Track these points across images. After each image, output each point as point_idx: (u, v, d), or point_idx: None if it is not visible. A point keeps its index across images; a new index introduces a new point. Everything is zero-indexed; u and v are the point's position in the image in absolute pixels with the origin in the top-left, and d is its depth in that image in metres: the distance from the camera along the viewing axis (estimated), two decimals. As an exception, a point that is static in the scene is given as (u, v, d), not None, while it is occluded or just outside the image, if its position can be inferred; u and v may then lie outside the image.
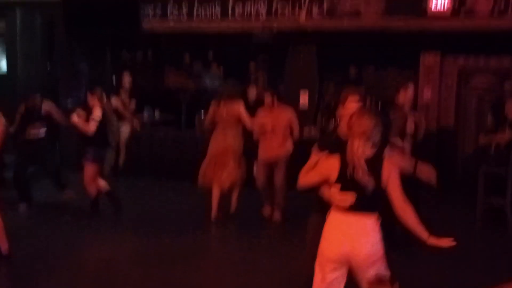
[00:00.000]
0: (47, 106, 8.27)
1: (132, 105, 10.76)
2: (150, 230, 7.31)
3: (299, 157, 9.50)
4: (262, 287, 5.51)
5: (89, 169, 7.67)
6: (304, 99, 10.83)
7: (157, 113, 11.97)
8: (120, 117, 10.43)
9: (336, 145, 3.89)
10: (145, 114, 11.63)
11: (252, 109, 8.21)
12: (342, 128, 4.04)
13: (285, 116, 7.83)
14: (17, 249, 6.32)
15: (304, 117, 10.69)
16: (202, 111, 10.15)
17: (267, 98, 7.87)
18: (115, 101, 10.36)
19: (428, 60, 11.57)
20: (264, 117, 7.75)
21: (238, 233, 7.41)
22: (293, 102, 10.91)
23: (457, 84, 11.69)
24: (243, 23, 10.79)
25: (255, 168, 8.02)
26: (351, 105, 4.11)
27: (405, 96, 6.72)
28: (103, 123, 7.69)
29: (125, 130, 10.55)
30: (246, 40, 10.91)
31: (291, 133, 7.83)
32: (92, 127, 7.55)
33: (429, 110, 10.84)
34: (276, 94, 8.00)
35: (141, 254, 6.38)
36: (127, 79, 10.69)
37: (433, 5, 9.54)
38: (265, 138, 7.74)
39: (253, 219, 7.81)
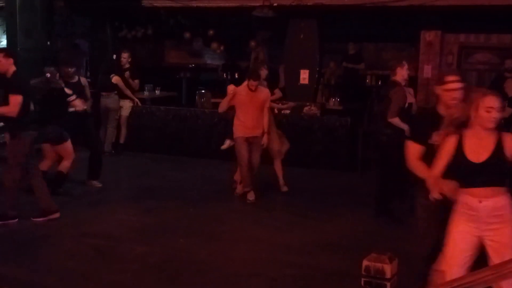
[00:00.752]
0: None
1: (136, 84, 10.77)
2: (152, 205, 7.38)
3: (301, 132, 9.63)
4: (263, 260, 5.59)
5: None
6: (304, 75, 10.83)
7: (157, 90, 11.99)
8: (121, 94, 10.47)
9: (435, 123, 4.03)
10: (146, 91, 11.66)
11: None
12: (444, 108, 4.13)
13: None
14: (17, 225, 6.42)
15: (304, 93, 10.72)
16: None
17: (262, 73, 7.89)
18: (115, 79, 10.38)
19: (429, 37, 11.55)
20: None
21: (239, 207, 7.48)
22: (294, 79, 10.94)
23: (457, 61, 11.70)
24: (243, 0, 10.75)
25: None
26: (453, 85, 4.16)
27: (402, 73, 6.74)
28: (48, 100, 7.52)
29: (125, 107, 10.58)
30: (246, 16, 10.87)
31: None
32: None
33: (429, 86, 10.84)
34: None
35: (143, 229, 6.45)
36: (126, 58, 10.68)
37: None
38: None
39: (260, 194, 7.86)
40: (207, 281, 5.10)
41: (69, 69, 8.08)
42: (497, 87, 9.40)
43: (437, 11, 10.40)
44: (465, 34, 11.60)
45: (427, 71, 11.43)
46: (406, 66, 6.82)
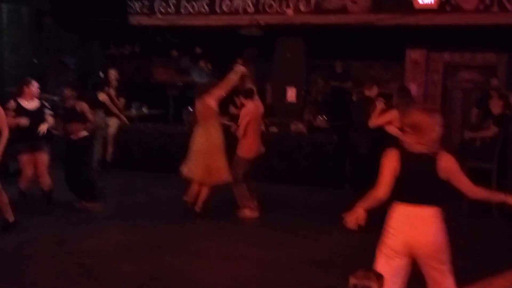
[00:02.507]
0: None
1: (121, 103, 10.74)
2: (139, 222, 7.34)
3: (289, 149, 9.66)
4: (251, 278, 5.56)
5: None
6: (291, 93, 10.88)
7: (145, 108, 11.98)
8: (108, 111, 10.44)
9: None
10: (133, 109, 11.64)
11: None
12: None
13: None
14: (2, 242, 6.34)
15: (291, 111, 10.76)
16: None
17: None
18: (102, 96, 10.36)
19: (415, 55, 11.68)
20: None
21: (226, 225, 7.45)
22: (281, 96, 10.99)
23: (443, 79, 11.82)
24: (231, 18, 10.82)
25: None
26: None
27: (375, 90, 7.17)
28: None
29: (112, 124, 10.55)
30: (234, 35, 10.94)
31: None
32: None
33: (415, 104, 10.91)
34: (243, 94, 7.89)
35: (130, 247, 6.40)
36: (113, 76, 10.67)
37: (420, 1, 9.61)
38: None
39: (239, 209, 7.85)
40: (194, 299, 5.07)
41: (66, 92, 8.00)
42: (482, 105, 9.52)
43: (422, 30, 10.53)
44: (450, 52, 11.75)
45: (412, 89, 11.53)
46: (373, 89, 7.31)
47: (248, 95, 7.77)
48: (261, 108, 7.86)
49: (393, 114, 6.83)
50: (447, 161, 3.80)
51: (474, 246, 6.60)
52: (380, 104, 7.12)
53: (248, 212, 7.77)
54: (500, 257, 5.39)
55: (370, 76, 12.73)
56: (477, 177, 7.85)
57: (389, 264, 3.90)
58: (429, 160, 3.76)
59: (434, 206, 3.83)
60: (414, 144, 3.79)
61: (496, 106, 8.55)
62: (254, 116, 7.69)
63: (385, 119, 6.90)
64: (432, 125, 3.76)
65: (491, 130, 8.29)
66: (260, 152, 7.85)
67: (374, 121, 7.03)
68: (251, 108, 7.69)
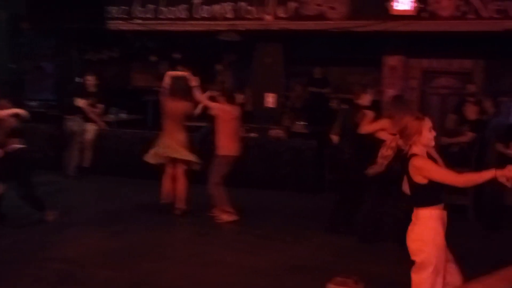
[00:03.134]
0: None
1: (99, 110, 10.66)
2: (118, 229, 7.28)
3: (268, 155, 9.67)
4: (230, 284, 5.56)
5: None
6: (270, 99, 10.91)
7: (123, 113, 11.92)
8: (85, 117, 10.37)
9: None
10: (111, 115, 11.57)
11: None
12: None
13: None
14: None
15: (270, 116, 10.79)
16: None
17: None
18: (80, 102, 10.28)
19: (392, 61, 11.79)
20: None
21: (205, 230, 7.43)
22: (260, 102, 11.01)
23: (420, 85, 11.94)
24: (209, 23, 10.82)
25: None
26: None
27: (366, 98, 7.09)
28: None
29: (90, 130, 10.47)
30: (213, 40, 10.94)
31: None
32: None
33: (393, 111, 11.00)
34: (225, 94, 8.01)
35: (109, 253, 6.35)
36: (91, 81, 10.59)
37: (397, 8, 9.70)
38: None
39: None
40: (174, 305, 5.05)
41: None
42: (459, 111, 9.64)
43: (400, 37, 10.64)
44: (427, 59, 11.89)
45: (389, 94, 11.64)
46: (369, 93, 7.28)
47: (228, 96, 7.86)
48: (237, 112, 7.91)
49: (385, 122, 6.84)
50: (413, 162, 3.96)
51: (451, 251, 6.65)
52: (370, 112, 7.12)
53: (226, 216, 7.78)
54: (477, 263, 5.44)
55: (360, 84, 12.83)
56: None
57: None
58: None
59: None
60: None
61: (471, 112, 8.66)
62: (229, 118, 7.74)
63: (377, 126, 6.92)
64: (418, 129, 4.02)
65: (467, 136, 8.40)
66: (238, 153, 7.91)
67: (366, 128, 7.00)
68: (228, 109, 7.75)
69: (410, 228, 4.09)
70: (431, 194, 4.01)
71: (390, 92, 11.52)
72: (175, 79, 8.25)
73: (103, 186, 9.84)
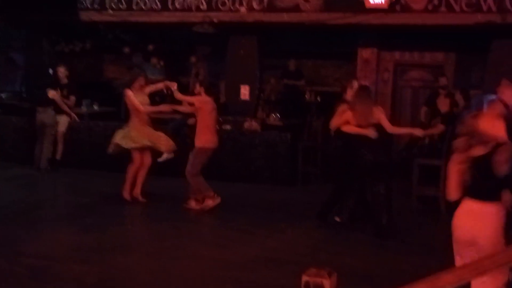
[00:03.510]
0: None
1: (71, 101, 10.52)
2: (90, 223, 7.20)
3: (242, 148, 9.66)
4: (204, 277, 5.55)
5: None
6: (244, 91, 10.89)
7: (96, 105, 11.78)
8: (58, 109, 10.22)
9: None
10: (84, 107, 11.44)
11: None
12: None
13: None
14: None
15: (244, 109, 10.77)
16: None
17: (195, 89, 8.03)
18: (52, 94, 10.13)
19: (366, 54, 11.85)
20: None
21: (179, 224, 7.40)
22: (234, 94, 10.99)
23: (393, 77, 12.04)
24: (183, 15, 10.75)
25: None
26: None
27: (351, 92, 7.07)
28: None
29: (62, 122, 10.33)
30: (187, 32, 10.87)
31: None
32: None
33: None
34: (205, 85, 8.06)
35: (81, 248, 6.28)
36: (62, 73, 10.44)
37: (371, 1, 9.75)
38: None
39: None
40: (147, 299, 5.02)
41: None
42: (431, 103, 9.75)
43: (373, 30, 10.70)
44: (400, 52, 11.98)
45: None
46: (354, 85, 7.25)
47: (208, 89, 7.92)
48: (215, 103, 7.98)
49: (348, 114, 6.88)
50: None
51: (423, 242, 6.75)
52: (342, 106, 7.13)
53: (211, 202, 7.82)
54: (449, 253, 5.50)
55: (322, 76, 12.89)
56: (426, 173, 8.10)
57: None
58: None
59: None
60: None
61: (443, 104, 8.76)
62: (209, 109, 7.76)
63: (341, 119, 6.94)
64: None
65: (438, 128, 8.49)
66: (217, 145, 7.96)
67: (334, 123, 7.04)
68: (208, 100, 7.79)
69: (483, 223, 3.93)
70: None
71: (356, 84, 11.60)
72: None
73: (75, 179, 9.72)
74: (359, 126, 6.81)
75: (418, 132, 7.19)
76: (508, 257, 2.80)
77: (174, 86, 8.26)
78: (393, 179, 7.20)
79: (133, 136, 8.04)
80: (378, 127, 6.82)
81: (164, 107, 8.93)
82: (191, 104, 7.93)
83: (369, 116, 6.80)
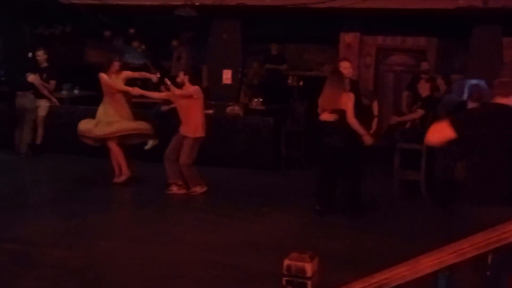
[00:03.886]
0: None
1: (51, 85, 10.40)
2: (72, 208, 7.16)
3: (224, 132, 9.65)
4: (188, 262, 5.56)
5: None
6: (227, 75, 10.84)
7: (76, 90, 11.67)
8: (38, 94, 10.11)
9: None
10: (64, 91, 11.32)
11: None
12: None
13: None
14: None
15: (227, 93, 10.73)
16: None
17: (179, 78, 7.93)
18: (31, 77, 10.01)
19: (348, 38, 11.85)
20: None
21: (162, 209, 7.39)
22: (216, 79, 10.93)
23: (375, 62, 12.06)
24: (165, -2, 10.62)
25: None
26: None
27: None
28: None
29: (42, 106, 10.22)
30: (169, 15, 10.75)
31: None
32: None
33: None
34: (189, 73, 7.99)
35: (63, 234, 6.25)
36: (42, 56, 10.30)
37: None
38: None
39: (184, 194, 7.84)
40: (130, 284, 5.02)
41: None
42: (412, 88, 9.80)
43: (356, 14, 10.68)
44: (382, 36, 12.00)
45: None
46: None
47: (192, 77, 7.91)
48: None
49: (321, 101, 6.90)
50: None
51: (404, 226, 6.81)
52: None
53: (199, 189, 7.87)
54: (429, 237, 5.58)
55: (305, 60, 12.86)
56: (407, 157, 8.15)
57: None
58: None
59: None
60: None
61: (424, 89, 8.80)
62: (199, 96, 7.79)
63: (319, 107, 6.95)
64: None
65: (418, 113, 8.54)
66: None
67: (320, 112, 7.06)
68: (195, 88, 7.79)
69: None
70: None
71: (328, 68, 11.61)
72: None
73: (56, 164, 9.65)
74: (323, 110, 6.83)
75: (367, 140, 6.88)
76: (488, 240, 2.83)
77: (154, 78, 8.22)
78: (362, 164, 7.20)
79: (115, 122, 8.02)
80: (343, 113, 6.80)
81: (154, 94, 8.83)
82: (188, 97, 7.80)
83: (334, 101, 6.77)
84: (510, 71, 10.73)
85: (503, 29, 9.69)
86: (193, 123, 7.71)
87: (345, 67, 7.26)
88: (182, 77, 7.84)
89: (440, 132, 3.96)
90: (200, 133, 7.75)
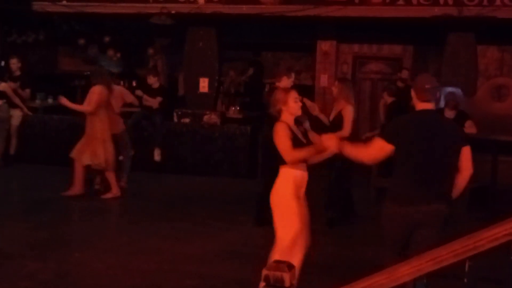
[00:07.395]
0: None
1: (26, 94, 10.23)
2: (44, 219, 7.03)
3: (201, 141, 9.56)
4: (164, 272, 5.46)
5: None
6: (204, 83, 10.77)
7: (50, 99, 11.50)
8: (10, 103, 9.94)
9: None
10: (38, 100, 11.15)
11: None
12: None
13: None
14: None
15: (204, 102, 10.67)
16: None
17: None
18: (3, 86, 9.83)
19: (325, 46, 11.88)
20: None
21: (136, 219, 7.27)
22: (193, 87, 10.86)
23: (352, 70, 12.10)
24: (140, 6, 10.53)
25: None
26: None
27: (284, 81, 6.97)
28: None
29: (15, 116, 10.04)
30: (144, 23, 10.68)
31: None
32: None
33: (325, 95, 11.15)
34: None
35: (35, 245, 6.11)
36: (14, 65, 10.13)
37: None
38: None
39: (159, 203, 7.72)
40: (104, 296, 4.91)
41: None
42: (393, 93, 9.82)
43: (332, 22, 10.71)
44: (359, 44, 12.04)
45: (323, 80, 11.75)
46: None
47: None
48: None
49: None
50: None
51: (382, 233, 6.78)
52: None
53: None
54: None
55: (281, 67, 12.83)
56: (385, 165, 8.14)
57: None
58: None
59: None
60: None
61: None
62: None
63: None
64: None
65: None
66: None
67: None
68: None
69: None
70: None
71: (323, 77, 11.64)
72: None
73: (29, 175, 9.48)
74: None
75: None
76: (465, 247, 2.81)
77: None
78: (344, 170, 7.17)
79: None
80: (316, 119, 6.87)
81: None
82: None
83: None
84: (485, 79, 10.88)
85: (477, 37, 9.79)
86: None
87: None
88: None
89: (376, 150, 4.13)
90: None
